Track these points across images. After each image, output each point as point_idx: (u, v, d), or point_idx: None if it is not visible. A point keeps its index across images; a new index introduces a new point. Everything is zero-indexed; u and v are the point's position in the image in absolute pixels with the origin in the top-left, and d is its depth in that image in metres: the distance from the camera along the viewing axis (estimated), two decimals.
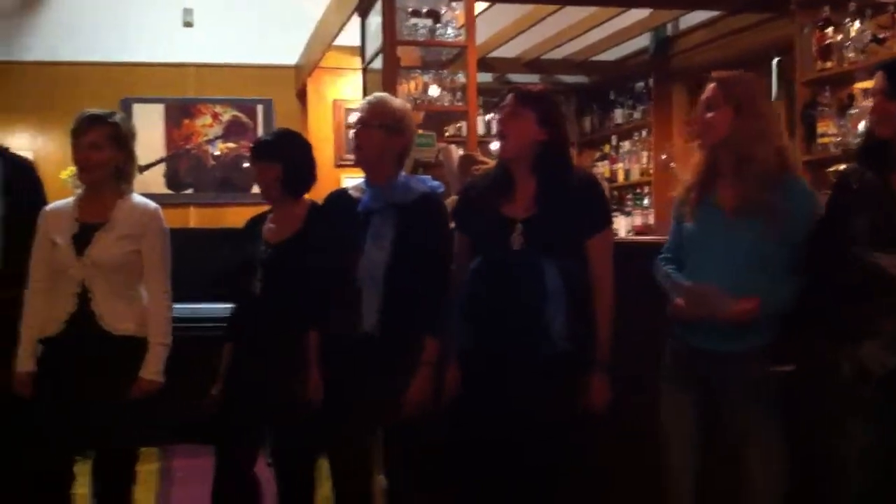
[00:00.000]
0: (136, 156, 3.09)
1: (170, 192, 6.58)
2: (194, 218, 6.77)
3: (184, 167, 6.83)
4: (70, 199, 3.08)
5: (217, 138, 6.94)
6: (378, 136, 2.89)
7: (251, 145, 3.23)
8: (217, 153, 6.95)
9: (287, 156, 3.07)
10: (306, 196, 3.15)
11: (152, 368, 2.94)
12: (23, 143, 6.21)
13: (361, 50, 5.13)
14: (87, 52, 6.70)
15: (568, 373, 2.67)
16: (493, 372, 2.69)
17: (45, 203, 3.17)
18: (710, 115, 2.67)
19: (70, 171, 5.60)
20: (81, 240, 2.93)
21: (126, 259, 2.95)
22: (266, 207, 3.20)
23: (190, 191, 6.76)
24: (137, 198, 3.07)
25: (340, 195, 3.08)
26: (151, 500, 4.01)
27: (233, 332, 3.13)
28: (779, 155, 2.67)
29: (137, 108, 6.52)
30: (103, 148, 2.96)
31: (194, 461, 3.22)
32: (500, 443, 2.66)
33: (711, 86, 2.68)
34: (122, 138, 3.01)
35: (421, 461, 2.89)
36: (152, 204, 3.08)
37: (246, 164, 6.43)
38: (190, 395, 3.07)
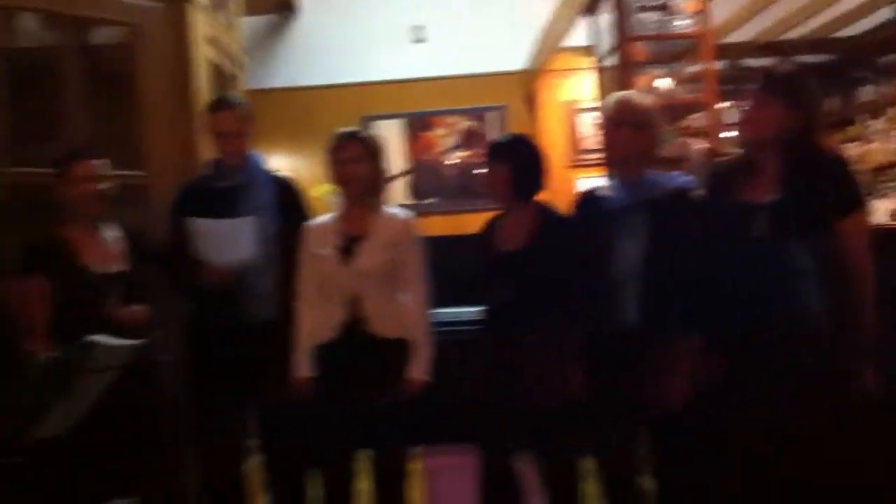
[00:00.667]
0: (386, 169, 3.25)
1: (413, 202, 6.86)
2: (437, 226, 7.01)
3: (424, 178, 7.07)
4: (329, 215, 3.27)
5: (453, 148, 7.12)
6: (627, 133, 2.89)
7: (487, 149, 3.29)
8: (453, 162, 7.14)
9: (517, 157, 3.10)
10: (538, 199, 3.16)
11: (419, 368, 3.08)
12: (278, 165, 6.65)
13: (592, 49, 5.11)
14: (328, 76, 7.09)
15: (826, 357, 2.56)
16: (747, 359, 2.62)
17: (309, 220, 3.39)
18: None
19: (322, 188, 5.96)
20: (347, 251, 3.12)
21: (388, 266, 3.11)
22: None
23: (431, 200, 7.00)
24: (392, 208, 3.24)
25: (591, 195, 3.09)
26: (419, 497, 4.19)
27: (481, 334, 3.19)
28: None
29: (377, 125, 6.82)
30: (359, 162, 3.14)
31: (456, 459, 3.30)
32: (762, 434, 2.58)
33: None
34: (374, 153, 3.18)
35: (686, 458, 2.84)
36: (408, 213, 3.23)
37: (477, 171, 6.57)
38: (447, 395, 3.16)
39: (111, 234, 3.23)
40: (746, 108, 2.73)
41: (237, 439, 3.36)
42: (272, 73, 7.06)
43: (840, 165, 2.71)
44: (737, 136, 2.79)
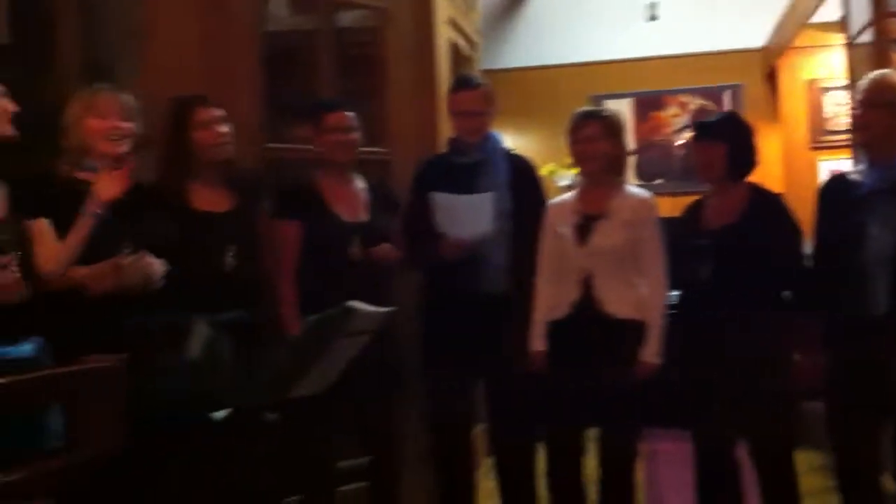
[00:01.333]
0: (627, 147, 3.23)
1: (641, 183, 6.74)
2: (663, 208, 6.86)
3: (652, 158, 6.94)
4: (570, 194, 3.30)
5: (684, 128, 6.94)
6: (882, 115, 2.73)
7: (694, 126, 3.20)
8: (682, 142, 6.96)
9: (732, 136, 3.01)
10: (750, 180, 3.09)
11: (652, 350, 3.04)
12: (507, 144, 6.71)
13: (844, 24, 4.81)
14: (558, 56, 7.07)
15: None
16: None
17: (543, 198, 3.42)
18: None
19: (548, 168, 5.99)
20: (584, 230, 3.13)
21: (625, 246, 3.09)
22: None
23: (659, 181, 6.86)
24: (632, 188, 3.22)
25: (840, 178, 2.95)
26: (641, 479, 4.15)
27: (681, 318, 3.11)
28: None
29: (607, 104, 6.74)
30: (598, 141, 3.13)
31: (677, 445, 3.24)
32: None
33: None
34: (615, 131, 3.17)
35: None
36: (647, 193, 3.20)
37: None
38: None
39: (359, 184, 3.39)
40: None
41: (466, 406, 3.45)
42: (504, 53, 7.12)
43: None
44: None
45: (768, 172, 6.73)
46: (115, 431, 1.72)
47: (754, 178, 3.14)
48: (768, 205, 3.03)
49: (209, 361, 2.71)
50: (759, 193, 3.06)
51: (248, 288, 3.04)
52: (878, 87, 2.78)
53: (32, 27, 3.57)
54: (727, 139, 3.02)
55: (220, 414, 2.27)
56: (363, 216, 3.33)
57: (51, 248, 2.60)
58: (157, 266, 2.71)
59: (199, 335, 2.76)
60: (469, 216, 3.19)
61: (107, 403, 1.71)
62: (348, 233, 3.24)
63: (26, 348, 2.38)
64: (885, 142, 2.74)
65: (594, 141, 3.14)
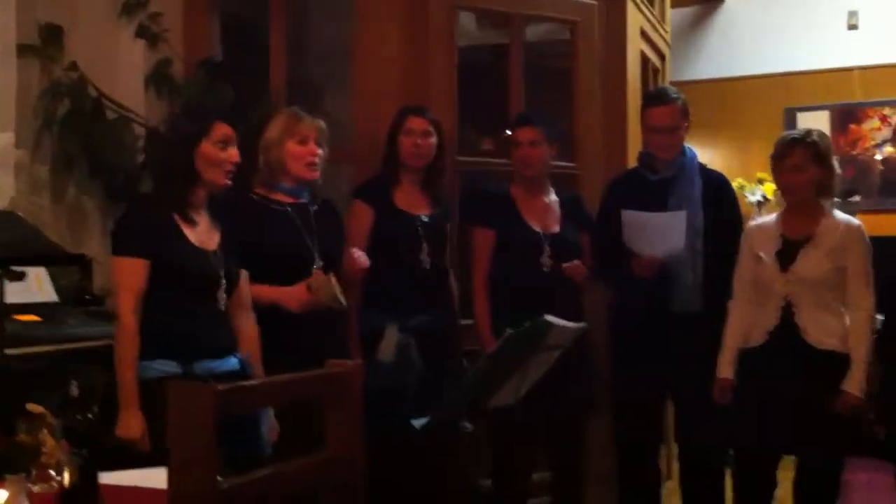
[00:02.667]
0: (837, 170, 3.09)
1: (836, 200, 6.44)
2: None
3: (849, 173, 6.62)
4: (774, 215, 3.20)
5: (885, 142, 6.59)
6: None
7: None
8: (883, 157, 6.61)
9: None
10: None
11: (855, 384, 2.90)
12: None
13: None
14: (750, 66, 6.85)
15: None
16: None
17: (739, 215, 3.33)
18: None
19: (739, 181, 5.81)
20: (786, 256, 3.02)
21: (831, 275, 2.97)
22: None
23: (856, 198, 6.53)
24: (840, 214, 3.08)
25: None
26: None
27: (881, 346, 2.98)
28: None
29: (801, 117, 6.48)
30: (806, 169, 3.02)
31: (875, 475, 3.08)
32: None
33: None
34: (822, 155, 3.04)
35: None
36: (855, 221, 3.06)
37: None
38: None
39: (552, 197, 3.43)
40: None
41: (653, 426, 3.41)
42: (694, 64, 6.98)
43: None
44: None
45: None
46: (354, 434, 1.81)
47: None
48: None
49: (401, 366, 2.81)
50: None
51: (441, 290, 3.13)
52: None
53: (243, 45, 3.80)
54: None
55: (420, 421, 2.34)
56: (555, 227, 3.35)
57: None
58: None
59: (391, 339, 2.86)
60: (661, 234, 3.16)
61: (347, 407, 1.81)
62: (540, 242, 3.28)
63: (232, 361, 2.53)
64: None
65: (802, 170, 3.02)
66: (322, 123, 2.96)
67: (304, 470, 1.83)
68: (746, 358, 3.08)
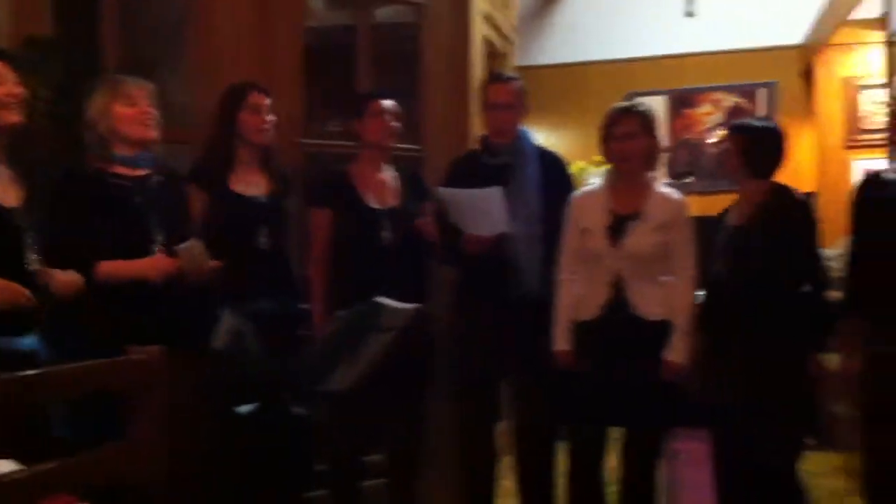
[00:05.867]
0: (661, 142, 3.21)
1: (671, 181, 6.72)
2: (693, 206, 6.84)
3: (683, 157, 6.92)
4: (597, 187, 3.25)
5: (717, 126, 6.91)
6: None
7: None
8: (714, 141, 6.93)
9: (753, 130, 3.01)
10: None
11: (679, 352, 3.03)
12: (540, 141, 6.70)
13: (884, 22, 4.78)
14: (593, 52, 7.06)
15: None
16: None
17: None
18: None
19: (579, 165, 5.98)
20: (616, 231, 3.09)
21: (659, 249, 3.07)
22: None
23: (689, 179, 6.83)
24: (664, 188, 3.19)
25: (876, 177, 2.95)
26: (661, 478, 4.15)
27: (702, 318, 3.09)
28: None
29: (641, 101, 6.72)
30: (637, 137, 3.11)
31: (699, 445, 3.23)
32: None
33: None
34: (650, 126, 3.15)
35: None
36: (679, 194, 3.18)
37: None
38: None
39: (390, 174, 3.45)
40: None
41: (491, 405, 3.47)
42: (539, 49, 7.12)
43: None
44: None
45: (802, 170, 6.74)
46: (157, 424, 1.76)
47: (787, 174, 3.13)
48: (787, 204, 3.00)
49: (235, 352, 2.75)
50: (780, 192, 3.03)
51: (282, 273, 3.10)
52: None
53: (75, 20, 3.63)
54: (746, 132, 3.04)
55: (245, 408, 2.30)
56: (393, 201, 3.39)
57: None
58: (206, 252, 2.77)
59: (225, 325, 2.81)
60: (480, 212, 3.17)
61: (150, 396, 1.75)
62: (378, 219, 3.30)
63: (28, 341, 2.40)
64: None
65: (633, 138, 3.09)
66: (149, 84, 2.89)
67: (99, 461, 1.75)
68: (579, 332, 3.15)
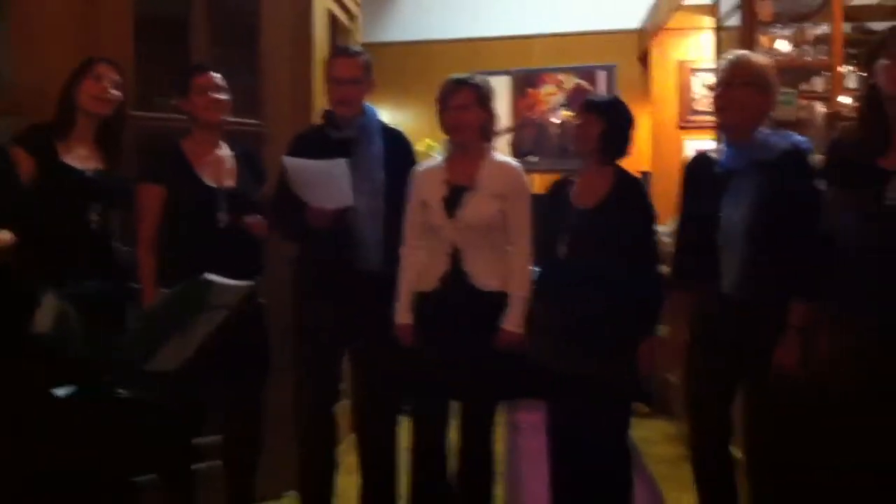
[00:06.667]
0: (497, 115, 3.23)
1: (514, 160, 6.83)
2: (538, 185, 7.00)
3: (528, 136, 7.05)
4: (438, 160, 3.26)
5: (560, 106, 7.07)
6: (741, 94, 2.82)
7: (581, 104, 3.22)
8: (559, 121, 7.09)
9: (613, 115, 3.07)
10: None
11: (513, 321, 3.07)
12: (384, 119, 6.67)
13: (715, 8, 4.98)
14: (440, 31, 7.10)
15: None
16: (882, 341, 2.53)
17: None
18: None
19: (426, 143, 6.01)
20: (452, 201, 3.11)
21: (495, 219, 3.10)
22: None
23: (533, 158, 6.97)
24: (501, 157, 3.22)
25: (701, 157, 3.04)
26: (502, 450, 4.23)
27: (538, 293, 3.13)
28: None
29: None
30: (471, 108, 3.13)
31: (537, 415, 3.31)
32: None
33: None
34: (485, 98, 3.17)
35: (782, 432, 2.81)
36: (516, 164, 3.22)
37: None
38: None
39: (225, 151, 3.35)
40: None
41: (333, 381, 3.43)
42: (385, 26, 7.10)
43: None
44: (886, 93, 2.55)
45: (639, 150, 6.95)
46: None
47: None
48: (629, 190, 3.08)
49: (60, 336, 2.60)
50: (624, 177, 3.10)
51: (109, 253, 2.97)
52: (736, 66, 2.85)
53: None
54: (607, 117, 3.06)
55: (62, 391, 2.17)
56: (230, 182, 3.29)
57: None
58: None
59: (49, 308, 2.65)
60: (324, 184, 3.12)
61: None
62: (214, 198, 3.21)
63: None
64: (744, 121, 2.83)
65: (467, 109, 3.11)
66: None
67: None
68: (419, 304, 3.16)
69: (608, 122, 3.04)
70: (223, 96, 3.32)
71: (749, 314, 2.76)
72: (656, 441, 4.57)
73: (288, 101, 3.95)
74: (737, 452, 2.99)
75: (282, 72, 3.96)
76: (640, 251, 3.02)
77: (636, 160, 6.50)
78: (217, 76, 3.32)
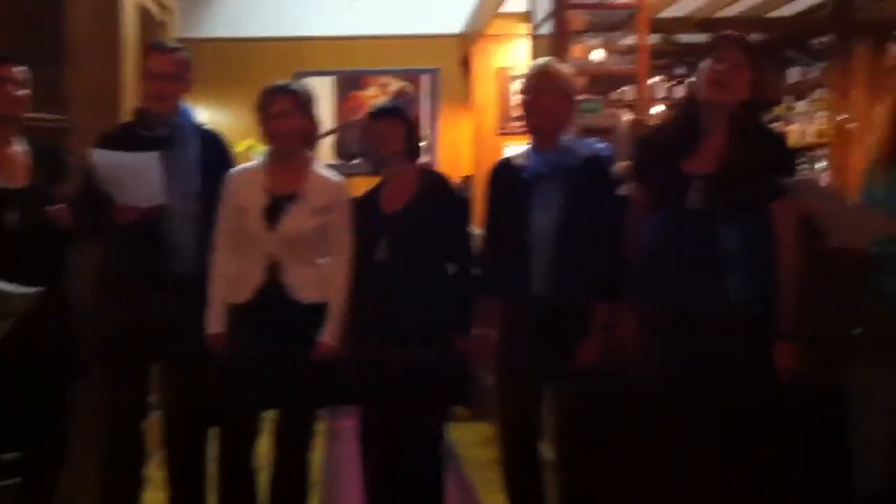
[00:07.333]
0: (319, 122, 3.19)
1: (339, 162, 6.80)
2: (363, 187, 6.97)
3: (352, 138, 7.02)
4: (256, 165, 3.16)
5: None
6: (545, 101, 2.91)
7: (372, 110, 3.24)
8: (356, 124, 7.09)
9: (407, 117, 3.13)
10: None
11: (331, 333, 3.03)
12: (203, 118, 6.47)
13: (530, 16, 5.11)
14: (262, 29, 6.96)
15: (753, 337, 2.59)
16: (678, 332, 2.64)
17: None
18: None
19: (246, 143, 5.86)
20: (273, 213, 3.03)
21: (315, 231, 3.04)
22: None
23: (358, 161, 6.94)
24: (324, 169, 3.17)
25: (507, 163, 3.11)
26: (320, 458, 4.17)
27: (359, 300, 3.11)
28: None
29: (309, 82, 6.69)
30: (291, 116, 3.06)
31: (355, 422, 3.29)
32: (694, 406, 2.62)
33: None
34: (306, 105, 3.12)
35: (589, 429, 2.90)
36: (338, 176, 3.18)
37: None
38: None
39: (20, 148, 3.14)
40: (718, 69, 2.63)
41: (140, 393, 3.27)
42: (203, 21, 6.89)
43: (779, 138, 2.75)
44: (700, 97, 2.70)
45: (461, 155, 7.09)
46: None
47: (448, 158, 3.25)
48: (437, 187, 3.11)
49: None
50: (431, 176, 3.13)
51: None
52: (540, 74, 2.95)
53: None
54: (405, 119, 3.09)
55: None
56: (21, 181, 3.09)
57: None
58: None
59: None
60: (135, 178, 2.99)
61: None
62: (4, 199, 3.00)
63: None
64: (548, 127, 2.92)
65: (287, 116, 3.05)
66: None
67: None
68: (234, 314, 3.07)
69: (406, 122, 3.08)
70: (21, 91, 3.10)
71: (556, 315, 2.84)
72: (474, 444, 4.62)
73: (94, 97, 3.77)
74: (548, 452, 3.06)
75: (87, 65, 3.78)
76: (455, 248, 3.05)
77: (459, 165, 6.68)
78: (19, 69, 3.10)
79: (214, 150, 3.33)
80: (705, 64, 2.66)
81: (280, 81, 3.17)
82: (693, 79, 2.81)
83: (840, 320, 2.63)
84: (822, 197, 2.56)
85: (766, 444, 2.66)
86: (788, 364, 2.58)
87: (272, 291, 3.02)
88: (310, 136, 3.16)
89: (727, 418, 2.60)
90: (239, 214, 3.08)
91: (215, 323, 3.07)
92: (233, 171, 3.20)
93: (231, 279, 3.07)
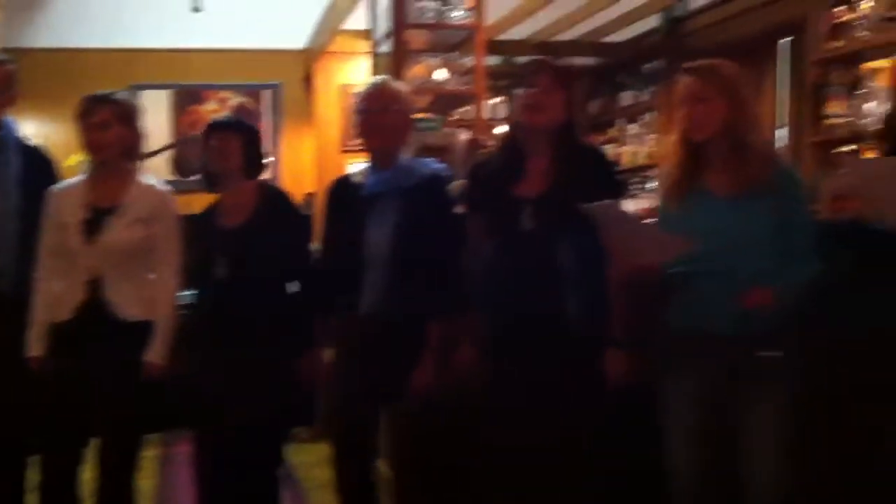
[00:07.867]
0: (144, 134, 3.08)
1: (177, 178, 6.60)
2: (200, 204, 6.80)
3: (192, 153, 6.83)
4: (78, 180, 3.04)
5: None
6: (384, 120, 2.90)
7: (208, 124, 3.16)
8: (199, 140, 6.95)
9: (246, 130, 3.08)
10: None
11: (157, 352, 2.91)
12: (31, 130, 6.18)
13: (370, 34, 5.12)
14: (95, 39, 6.69)
15: (589, 354, 2.65)
16: (516, 356, 2.68)
17: None
18: (700, 107, 2.50)
19: (76, 157, 5.61)
20: (93, 225, 2.90)
21: (139, 244, 2.93)
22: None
23: (197, 177, 6.76)
24: (148, 179, 3.06)
25: (344, 181, 3.09)
26: (151, 486, 4.02)
27: (197, 318, 3.04)
28: (766, 141, 2.63)
29: (144, 95, 6.52)
30: (112, 127, 2.94)
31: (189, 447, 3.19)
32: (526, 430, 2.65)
33: (695, 78, 2.52)
34: (128, 116, 3.00)
35: (425, 448, 2.90)
36: (164, 186, 3.07)
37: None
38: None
39: None
40: (532, 93, 2.67)
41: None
42: (31, 31, 6.57)
43: (600, 159, 2.82)
44: (520, 123, 2.72)
45: (304, 172, 7.02)
46: None
47: (290, 175, 3.20)
48: (276, 204, 3.07)
49: None
50: (270, 191, 3.09)
51: None
52: (373, 93, 2.93)
53: None
54: (242, 133, 3.03)
55: None
56: None
57: None
58: None
59: None
60: None
61: None
62: None
63: None
64: (387, 146, 2.92)
65: (107, 127, 2.93)
66: None
67: None
68: (54, 334, 2.93)
69: (244, 135, 3.03)
70: None
71: (391, 334, 2.83)
72: (316, 465, 4.55)
73: None
74: (386, 471, 3.04)
75: None
76: (295, 266, 3.02)
77: (301, 182, 6.61)
78: None
79: (37, 166, 3.20)
80: (519, 90, 2.72)
81: (100, 92, 3.04)
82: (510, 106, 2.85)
83: (651, 328, 2.72)
84: (620, 221, 2.63)
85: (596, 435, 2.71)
86: (618, 369, 2.66)
87: (93, 309, 2.88)
88: (132, 148, 3.03)
89: (561, 430, 2.65)
90: (60, 231, 2.94)
91: (35, 346, 2.93)
92: (55, 186, 3.06)
93: (53, 298, 2.93)
